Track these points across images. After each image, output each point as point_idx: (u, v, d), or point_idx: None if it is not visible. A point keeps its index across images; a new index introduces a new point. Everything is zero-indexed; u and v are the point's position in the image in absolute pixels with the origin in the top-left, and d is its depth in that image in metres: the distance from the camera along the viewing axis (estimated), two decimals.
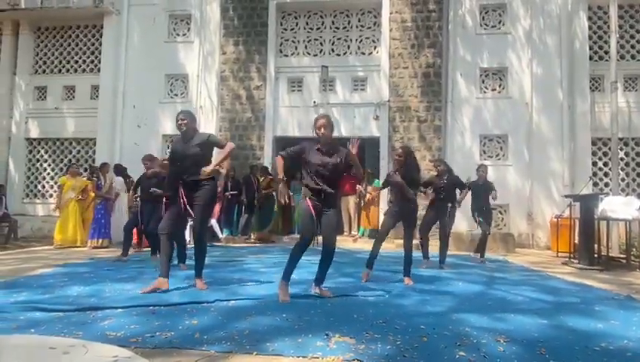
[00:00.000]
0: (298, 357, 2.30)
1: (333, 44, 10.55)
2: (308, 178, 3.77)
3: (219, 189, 9.39)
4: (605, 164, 9.61)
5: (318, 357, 2.29)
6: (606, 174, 9.58)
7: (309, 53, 10.59)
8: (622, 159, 9.46)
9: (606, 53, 9.56)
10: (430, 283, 4.70)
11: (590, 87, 9.67)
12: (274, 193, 9.04)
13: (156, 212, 5.73)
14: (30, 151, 11.38)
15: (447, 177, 6.14)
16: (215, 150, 4.24)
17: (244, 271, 4.92)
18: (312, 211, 3.68)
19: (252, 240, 9.44)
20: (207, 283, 4.15)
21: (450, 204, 6.14)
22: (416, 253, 7.56)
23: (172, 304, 3.38)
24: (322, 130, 3.77)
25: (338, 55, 10.49)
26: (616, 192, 8.35)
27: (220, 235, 9.20)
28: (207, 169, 3.99)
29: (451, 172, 6.37)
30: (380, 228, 5.43)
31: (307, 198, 3.71)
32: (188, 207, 3.98)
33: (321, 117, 3.89)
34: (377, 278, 4.77)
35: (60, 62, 11.42)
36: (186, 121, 4.07)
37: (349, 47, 10.50)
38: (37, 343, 2.17)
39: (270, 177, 9.29)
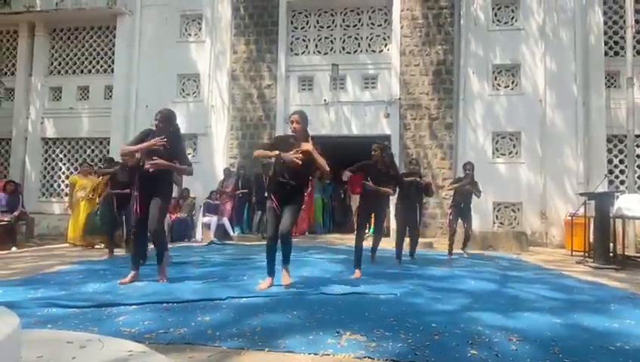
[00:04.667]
0: (309, 354, 2.31)
1: (343, 42, 10.53)
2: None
3: (229, 188, 9.57)
4: (621, 161, 9.44)
5: (329, 354, 2.30)
6: (622, 171, 9.40)
7: (319, 52, 10.58)
8: (638, 156, 9.27)
9: (622, 48, 9.38)
10: (442, 281, 4.67)
11: (605, 83, 9.47)
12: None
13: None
14: (46, 151, 11.59)
15: (413, 178, 6.18)
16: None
17: (256, 269, 4.93)
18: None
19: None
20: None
21: (418, 204, 6.35)
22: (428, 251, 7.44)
23: (185, 301, 3.42)
24: (293, 124, 3.96)
25: (349, 53, 10.46)
26: (633, 190, 8.19)
27: (232, 233, 9.29)
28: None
29: (419, 175, 6.47)
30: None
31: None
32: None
33: (294, 113, 4.08)
34: (388, 276, 4.77)
35: (75, 62, 11.61)
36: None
37: (359, 44, 10.47)
38: (55, 337, 2.22)
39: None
